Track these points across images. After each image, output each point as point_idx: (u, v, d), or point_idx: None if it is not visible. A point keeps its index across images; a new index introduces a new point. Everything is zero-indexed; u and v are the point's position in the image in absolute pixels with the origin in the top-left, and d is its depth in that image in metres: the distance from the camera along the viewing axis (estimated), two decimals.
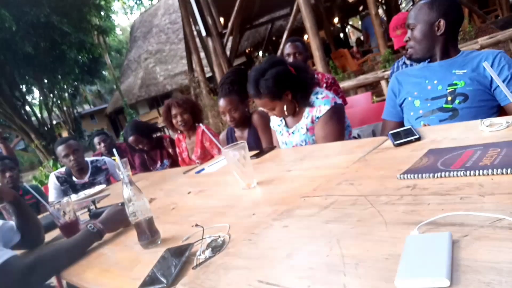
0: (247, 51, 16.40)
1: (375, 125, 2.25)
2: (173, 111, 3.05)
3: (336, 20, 14.48)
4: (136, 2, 34.96)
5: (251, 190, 1.40)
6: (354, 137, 2.13)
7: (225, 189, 1.57)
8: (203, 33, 8.29)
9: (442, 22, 1.64)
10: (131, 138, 3.40)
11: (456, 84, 1.59)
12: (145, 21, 23.37)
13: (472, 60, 1.61)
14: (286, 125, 2.12)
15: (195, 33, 9.07)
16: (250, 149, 2.25)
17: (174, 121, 3.08)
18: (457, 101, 1.57)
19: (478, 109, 1.54)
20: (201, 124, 2.22)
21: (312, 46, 5.60)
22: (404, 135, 1.30)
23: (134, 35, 23.66)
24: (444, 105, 1.61)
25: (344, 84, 5.19)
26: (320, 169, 1.38)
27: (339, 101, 1.97)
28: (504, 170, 0.84)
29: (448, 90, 1.60)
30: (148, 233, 1.19)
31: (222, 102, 2.48)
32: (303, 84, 1.96)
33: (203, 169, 2.11)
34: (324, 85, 2.92)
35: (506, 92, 0.64)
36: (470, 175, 0.87)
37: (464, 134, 1.20)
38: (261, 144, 2.49)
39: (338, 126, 1.92)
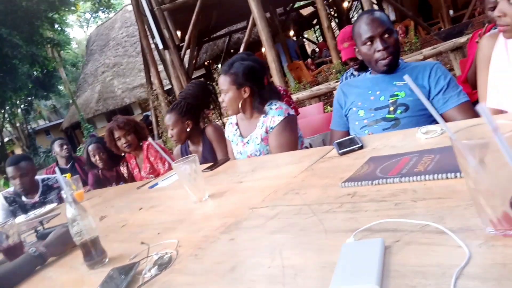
0: (206, 63, 16.40)
1: (325, 134, 2.30)
2: (116, 134, 3.01)
3: (291, 33, 14.79)
4: (92, 15, 34.22)
5: (203, 203, 1.39)
6: (306, 147, 2.17)
7: (177, 204, 1.55)
8: (160, 46, 8.23)
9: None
10: (92, 145, 3.30)
11: (397, 95, 1.66)
12: (101, 34, 22.88)
13: (411, 71, 1.68)
14: (241, 134, 2.14)
15: (152, 46, 8.98)
16: (206, 162, 2.25)
17: (118, 143, 3.03)
18: (398, 111, 1.64)
19: (418, 118, 1.61)
20: (150, 139, 2.19)
21: (268, 58, 5.68)
22: (348, 144, 1.34)
23: (91, 48, 23.09)
24: (387, 115, 1.67)
25: (298, 95, 5.29)
26: (270, 180, 1.39)
27: (292, 112, 2.01)
28: (436, 176, 0.88)
29: (390, 101, 1.67)
30: (94, 253, 1.15)
31: (165, 119, 2.57)
32: (265, 95, 2.04)
33: (156, 184, 2.08)
34: None
35: (426, 103, 0.67)
36: (405, 182, 0.91)
37: (403, 141, 1.25)
38: (216, 157, 2.49)
39: (291, 136, 1.96)
